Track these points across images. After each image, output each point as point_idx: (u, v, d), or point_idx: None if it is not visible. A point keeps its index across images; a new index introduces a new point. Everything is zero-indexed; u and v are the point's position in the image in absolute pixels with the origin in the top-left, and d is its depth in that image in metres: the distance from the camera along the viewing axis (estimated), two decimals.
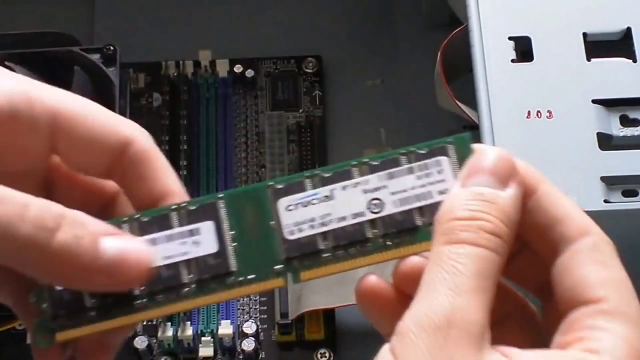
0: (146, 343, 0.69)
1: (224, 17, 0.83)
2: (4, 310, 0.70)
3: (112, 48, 0.69)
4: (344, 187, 0.40)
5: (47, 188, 0.42)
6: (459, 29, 0.61)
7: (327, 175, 0.41)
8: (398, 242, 0.40)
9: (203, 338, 0.69)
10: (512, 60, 0.57)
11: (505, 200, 0.37)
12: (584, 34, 0.58)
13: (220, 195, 0.41)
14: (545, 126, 0.55)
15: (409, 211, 0.40)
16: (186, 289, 0.40)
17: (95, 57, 0.69)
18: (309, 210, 0.40)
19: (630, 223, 0.54)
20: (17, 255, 0.37)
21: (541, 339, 0.38)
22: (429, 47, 0.66)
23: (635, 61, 0.57)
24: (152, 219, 0.40)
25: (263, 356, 0.70)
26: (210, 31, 0.82)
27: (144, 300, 0.39)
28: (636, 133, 0.56)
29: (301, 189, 0.40)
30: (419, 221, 0.40)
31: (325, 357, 0.69)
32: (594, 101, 0.56)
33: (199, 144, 0.76)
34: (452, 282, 0.35)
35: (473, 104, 0.57)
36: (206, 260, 0.40)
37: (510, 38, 0.58)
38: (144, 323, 0.70)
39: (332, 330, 0.70)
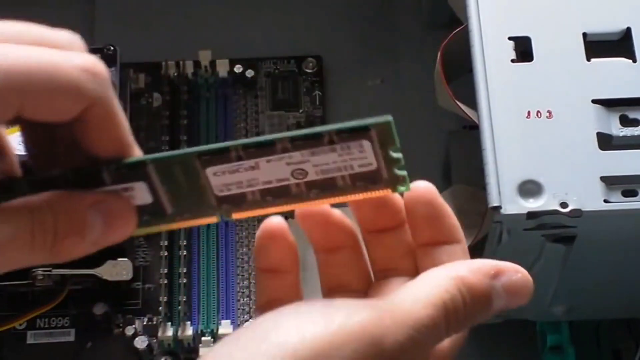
0: (146, 343, 0.69)
1: (224, 17, 0.83)
2: (4, 310, 0.71)
3: (112, 48, 0.70)
4: (268, 160, 0.43)
5: None
6: (459, 28, 0.61)
7: (251, 149, 0.43)
8: (320, 193, 0.43)
9: (203, 338, 0.69)
10: (512, 60, 0.57)
11: None
12: (584, 34, 0.58)
13: (150, 159, 0.43)
14: (545, 126, 0.55)
15: (330, 176, 0.43)
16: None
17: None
18: (236, 176, 0.43)
19: (630, 223, 0.54)
20: None
21: None
22: (429, 47, 0.66)
23: (635, 61, 0.57)
24: (85, 178, 0.42)
25: None
26: (210, 31, 0.82)
27: None
28: (636, 133, 0.56)
29: (227, 159, 0.43)
30: (340, 181, 0.43)
31: None
32: (593, 101, 0.56)
33: (199, 144, 0.76)
34: None
35: (473, 103, 0.57)
36: (142, 208, 0.43)
37: (510, 38, 0.58)
38: (144, 323, 0.70)
39: None
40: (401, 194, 0.45)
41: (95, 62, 0.40)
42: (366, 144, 0.43)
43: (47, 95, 0.39)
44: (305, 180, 0.43)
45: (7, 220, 0.39)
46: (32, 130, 0.43)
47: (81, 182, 0.42)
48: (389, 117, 0.43)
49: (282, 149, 0.43)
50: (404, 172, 0.44)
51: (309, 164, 0.43)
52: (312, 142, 0.42)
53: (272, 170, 0.43)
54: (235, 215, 0.44)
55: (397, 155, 0.44)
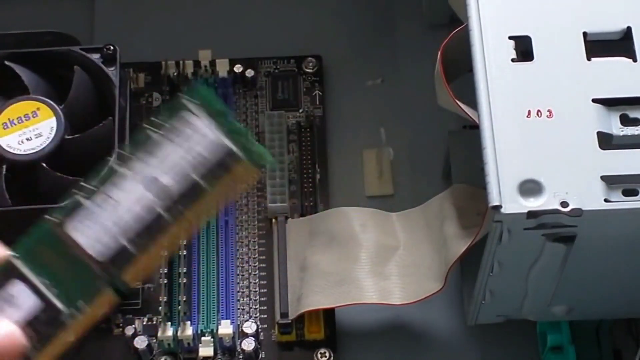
0: (146, 343, 0.68)
1: (224, 17, 0.83)
2: None
3: (112, 48, 0.69)
4: (116, 186, 0.41)
5: None
6: (459, 28, 0.61)
7: (94, 184, 0.41)
8: (187, 206, 0.41)
9: (203, 338, 0.69)
10: (513, 60, 0.57)
11: None
12: (584, 34, 0.58)
13: (14, 255, 0.41)
14: (545, 125, 0.55)
15: (185, 176, 0.41)
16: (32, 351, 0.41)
17: (95, 57, 0.69)
18: (97, 221, 0.41)
19: (630, 222, 0.54)
20: None
21: None
22: (429, 47, 0.66)
23: (635, 60, 0.57)
24: None
25: (263, 356, 0.70)
26: (210, 31, 0.82)
27: None
28: (636, 132, 0.56)
29: (79, 207, 0.41)
30: (197, 178, 0.41)
31: (325, 357, 0.69)
32: (594, 100, 0.56)
33: None
34: None
35: (473, 103, 0.57)
36: (35, 316, 0.41)
37: (510, 37, 0.58)
38: (144, 323, 0.70)
39: (332, 330, 0.70)
40: (262, 167, 0.42)
41: None
42: (187, 114, 0.41)
43: None
44: (162, 191, 0.41)
45: None
46: None
47: None
48: (198, 86, 0.42)
49: (124, 168, 0.41)
50: (253, 143, 0.42)
51: (156, 169, 0.41)
52: (145, 145, 0.41)
53: (127, 195, 0.41)
54: (126, 277, 0.41)
55: (231, 125, 0.42)
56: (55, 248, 0.41)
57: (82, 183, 0.41)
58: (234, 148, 0.41)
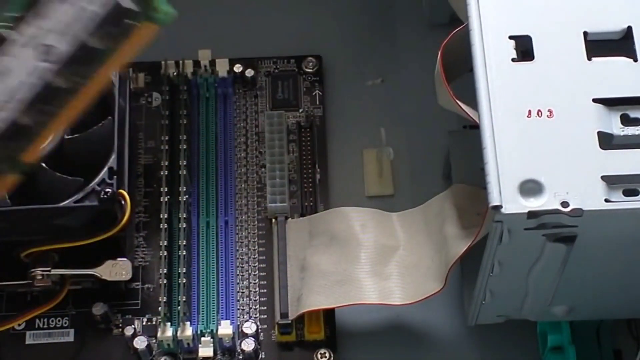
0: (146, 343, 0.68)
1: (224, 17, 0.83)
2: (2, 310, 0.71)
3: None
4: (4, 53, 0.37)
5: None
6: (459, 28, 0.61)
7: None
8: (85, 73, 0.38)
9: (203, 338, 0.69)
10: (513, 60, 0.57)
11: None
12: (585, 33, 0.58)
13: None
14: (545, 125, 0.55)
15: (77, 40, 0.37)
16: None
17: None
18: None
19: (631, 222, 0.54)
20: None
21: None
22: (429, 46, 0.66)
23: (636, 60, 0.57)
24: None
25: (263, 356, 0.70)
26: (210, 31, 0.82)
27: None
28: (637, 132, 0.56)
29: None
30: (92, 43, 0.37)
31: (325, 357, 0.69)
32: (594, 100, 0.56)
33: (199, 143, 0.76)
34: None
35: (473, 103, 0.57)
36: None
37: (510, 37, 0.58)
38: (144, 323, 0.70)
39: (332, 330, 0.70)
40: (163, 22, 0.38)
41: None
42: None
43: None
44: (55, 58, 0.36)
45: None
46: None
47: None
48: None
49: (8, 32, 0.36)
50: None
51: (45, 33, 0.36)
52: (32, 5, 0.36)
53: (16, 64, 0.36)
54: (27, 158, 0.37)
55: None
56: None
57: None
58: (129, 4, 0.38)
